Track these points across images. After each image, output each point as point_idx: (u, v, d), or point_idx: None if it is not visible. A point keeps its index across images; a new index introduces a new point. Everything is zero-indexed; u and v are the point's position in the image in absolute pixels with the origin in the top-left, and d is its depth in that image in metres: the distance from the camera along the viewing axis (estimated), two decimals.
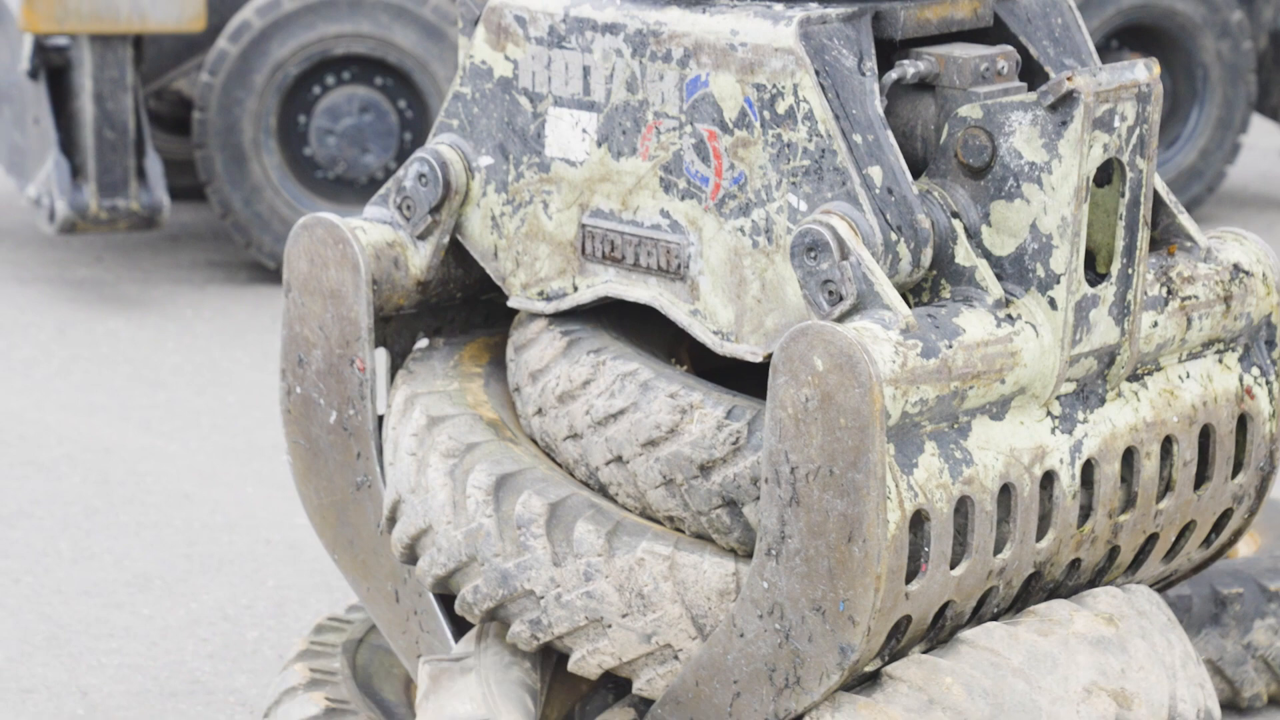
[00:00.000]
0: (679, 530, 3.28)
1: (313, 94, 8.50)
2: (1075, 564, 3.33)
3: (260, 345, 7.43)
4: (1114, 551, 3.38)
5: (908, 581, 3.08)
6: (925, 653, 3.36)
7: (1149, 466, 3.35)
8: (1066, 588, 3.36)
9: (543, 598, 3.29)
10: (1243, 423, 3.52)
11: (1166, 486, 3.40)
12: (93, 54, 7.85)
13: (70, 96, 7.95)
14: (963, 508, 3.13)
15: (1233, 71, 9.46)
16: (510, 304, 3.53)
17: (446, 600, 3.56)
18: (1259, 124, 11.24)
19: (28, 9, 7.67)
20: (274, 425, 6.42)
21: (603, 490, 3.34)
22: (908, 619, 3.13)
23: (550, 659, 3.47)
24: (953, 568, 3.14)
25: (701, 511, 3.24)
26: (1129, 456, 3.35)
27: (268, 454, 6.14)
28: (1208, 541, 3.57)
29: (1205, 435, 3.47)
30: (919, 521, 3.08)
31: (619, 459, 3.28)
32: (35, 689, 4.43)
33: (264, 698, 3.93)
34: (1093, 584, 3.42)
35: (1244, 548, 4.52)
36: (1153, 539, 3.44)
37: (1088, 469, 3.29)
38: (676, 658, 3.25)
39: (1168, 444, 3.40)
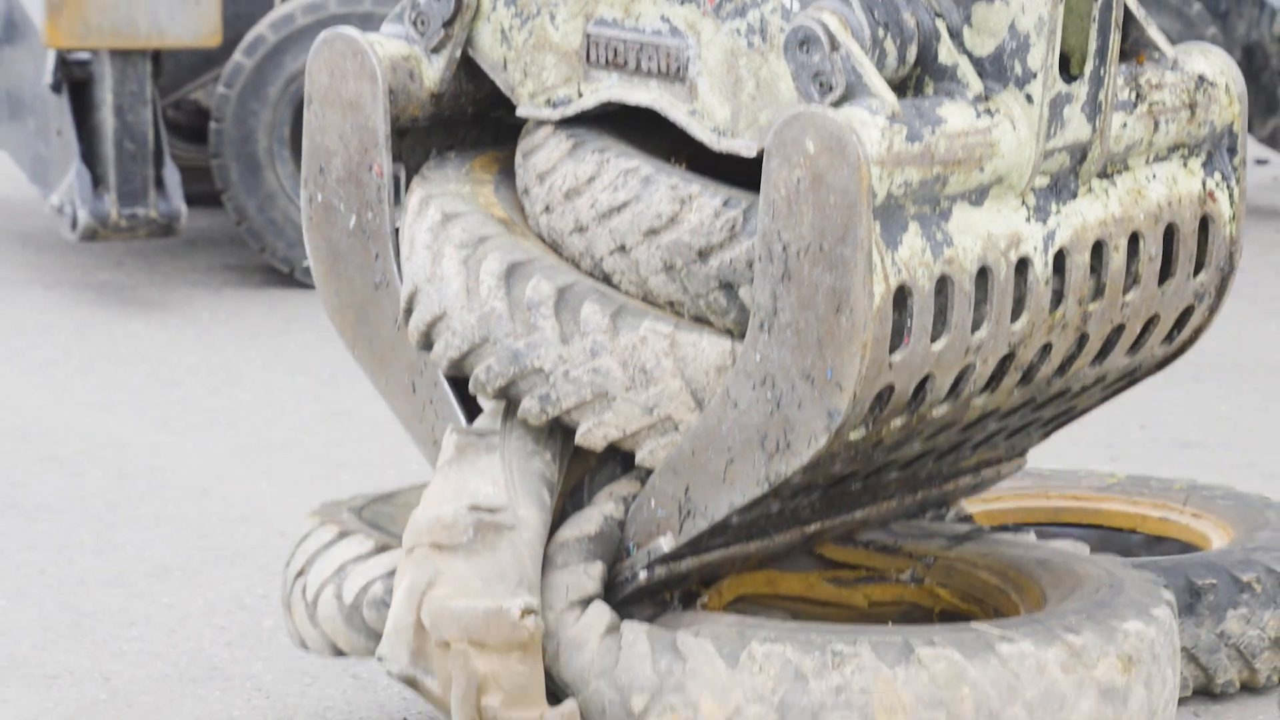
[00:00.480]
0: (678, 315, 3.34)
1: None
2: (1047, 349, 3.39)
3: (273, 346, 7.44)
4: (1083, 339, 3.45)
5: (891, 352, 3.12)
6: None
7: (1117, 259, 3.43)
8: (1039, 371, 3.40)
9: (551, 374, 3.33)
10: (1204, 225, 3.60)
11: (1133, 280, 3.46)
12: (113, 68, 7.86)
13: (91, 109, 7.96)
14: (943, 287, 3.20)
15: None
16: (519, 113, 3.57)
17: (460, 387, 3.60)
18: None
19: (51, 26, 7.69)
20: (286, 423, 6.43)
21: (606, 280, 3.40)
22: (890, 388, 3.17)
23: (569, 447, 3.48)
24: (933, 342, 3.17)
25: (700, 294, 3.29)
26: (1098, 249, 3.42)
27: (280, 450, 6.16)
28: (1170, 338, 3.64)
29: (1169, 235, 3.55)
30: (902, 298, 3.14)
31: (622, 248, 3.35)
32: (59, 675, 4.44)
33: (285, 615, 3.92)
34: (1062, 371, 3.46)
35: (1217, 540, 4.53)
36: (1119, 330, 3.51)
37: (1060, 258, 3.36)
38: (676, 429, 3.30)
39: (1134, 239, 3.47)
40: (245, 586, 4.97)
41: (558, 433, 3.47)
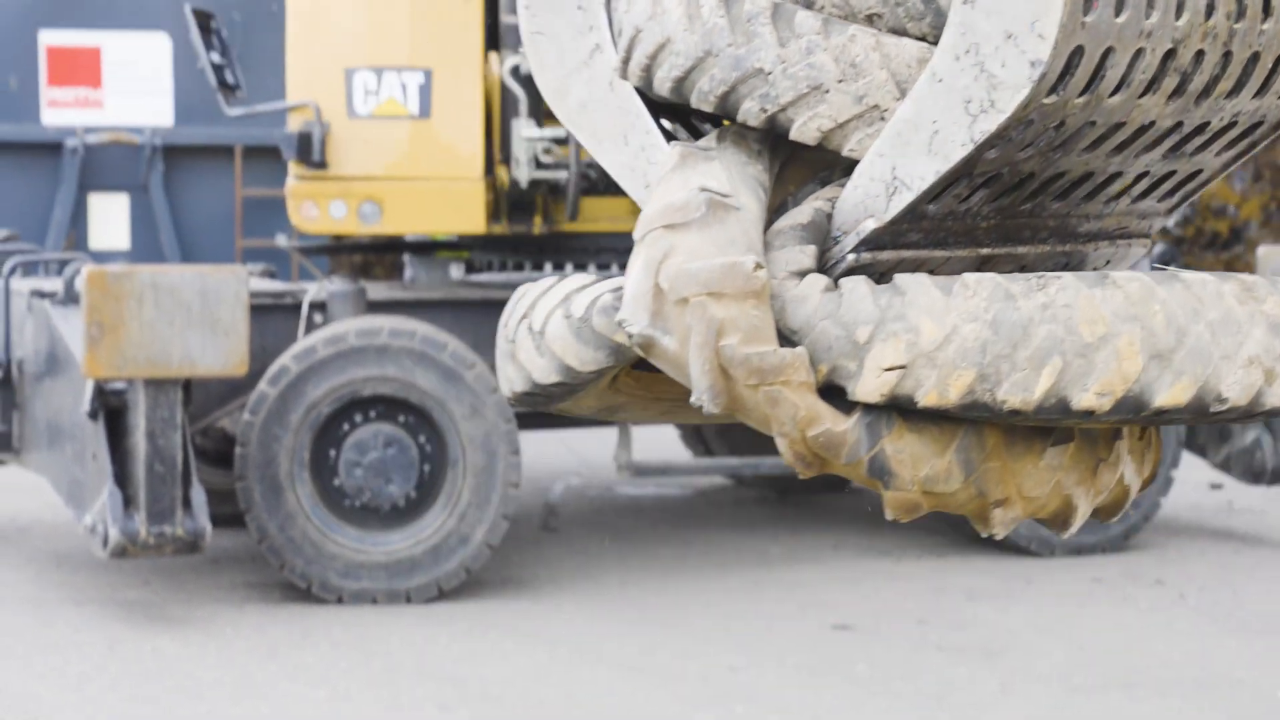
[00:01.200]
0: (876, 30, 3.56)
1: (342, 430, 8.60)
2: (1199, 57, 3.51)
3: (292, 660, 7.42)
4: (1227, 57, 3.55)
5: (1084, 14, 3.28)
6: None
7: None
8: (1191, 82, 3.53)
9: (770, 73, 3.52)
10: None
11: (1268, 12, 3.58)
12: (146, 396, 7.96)
13: (125, 434, 8.04)
14: None
15: None
16: None
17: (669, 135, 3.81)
18: (1188, 460, 11.34)
19: (91, 358, 7.80)
20: None
21: (808, 6, 3.59)
22: (1080, 51, 3.32)
23: (775, 163, 3.66)
24: (1116, 16, 3.33)
25: (899, 2, 3.51)
26: None
27: None
28: None
29: None
30: None
31: None
32: None
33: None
34: (1207, 92, 3.60)
35: None
36: (1255, 59, 3.61)
37: None
38: (882, 118, 3.49)
39: None
40: None
41: (766, 152, 3.65)
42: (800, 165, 3.70)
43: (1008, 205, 3.69)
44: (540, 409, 3.94)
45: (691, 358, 3.39)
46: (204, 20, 9.22)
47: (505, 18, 8.98)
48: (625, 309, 3.47)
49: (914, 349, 3.38)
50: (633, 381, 3.83)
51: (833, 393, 3.42)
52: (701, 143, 3.68)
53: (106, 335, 7.84)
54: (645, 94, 3.78)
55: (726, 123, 3.76)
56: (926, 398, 3.40)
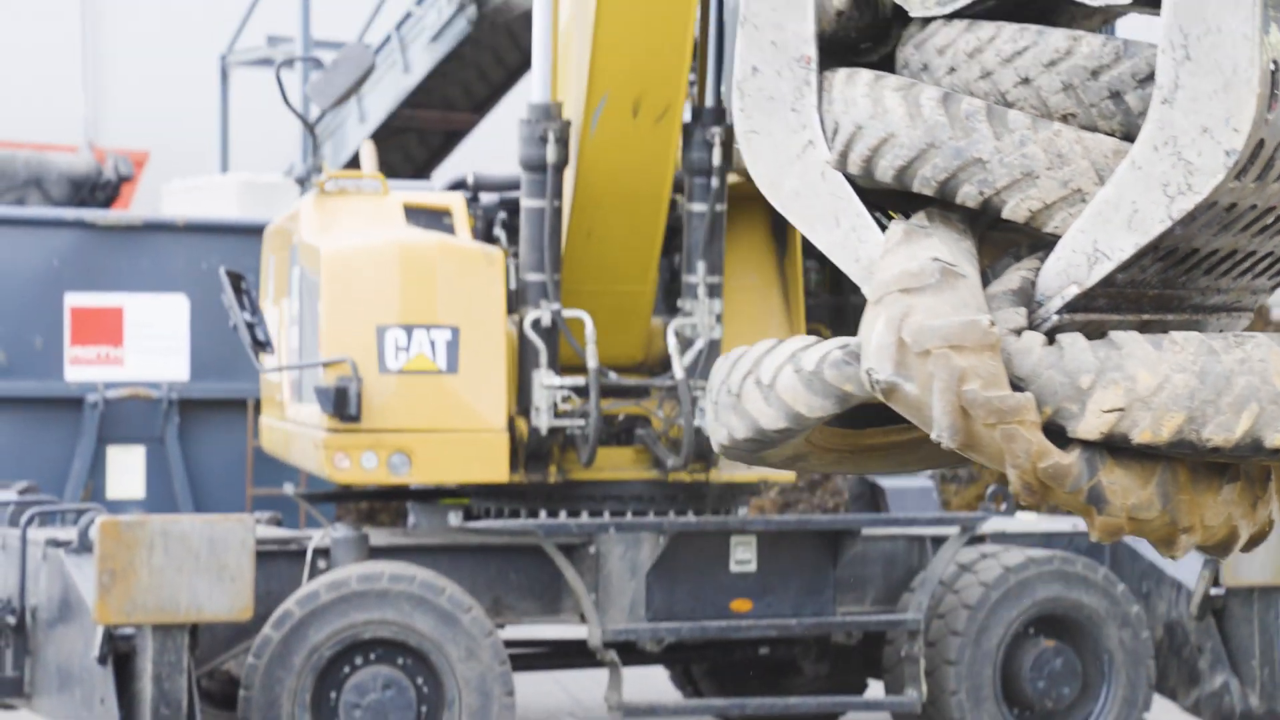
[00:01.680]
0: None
1: (343, 672, 8.52)
2: None
3: None
4: None
5: (1268, 112, 3.50)
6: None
7: None
8: None
9: (988, 162, 3.78)
10: None
11: None
12: (154, 641, 7.90)
13: (133, 678, 7.95)
14: None
15: (1134, 657, 9.51)
16: (913, 14, 3.98)
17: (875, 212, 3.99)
18: (1159, 703, 11.21)
19: (102, 604, 7.75)
20: None
21: (1008, 107, 3.84)
22: (1261, 144, 3.53)
23: (976, 242, 3.88)
24: None
25: (1093, 104, 3.77)
26: None
27: None
28: None
29: None
30: (1268, 72, 3.48)
31: (1025, 80, 3.81)
32: None
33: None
34: None
35: None
36: None
37: None
38: (1083, 200, 3.72)
39: None
40: None
41: (969, 231, 3.90)
42: (989, 244, 3.98)
43: (1170, 277, 3.89)
44: (744, 458, 4.19)
45: (935, 401, 3.66)
46: (236, 281, 9.24)
47: (524, 275, 8.97)
48: (870, 359, 3.74)
49: (1131, 394, 3.65)
50: (819, 435, 4.11)
51: (1049, 432, 3.70)
52: (915, 220, 3.93)
53: (117, 582, 7.81)
54: (853, 182, 4.02)
55: (898, 212, 4.00)
56: (1141, 436, 3.65)
